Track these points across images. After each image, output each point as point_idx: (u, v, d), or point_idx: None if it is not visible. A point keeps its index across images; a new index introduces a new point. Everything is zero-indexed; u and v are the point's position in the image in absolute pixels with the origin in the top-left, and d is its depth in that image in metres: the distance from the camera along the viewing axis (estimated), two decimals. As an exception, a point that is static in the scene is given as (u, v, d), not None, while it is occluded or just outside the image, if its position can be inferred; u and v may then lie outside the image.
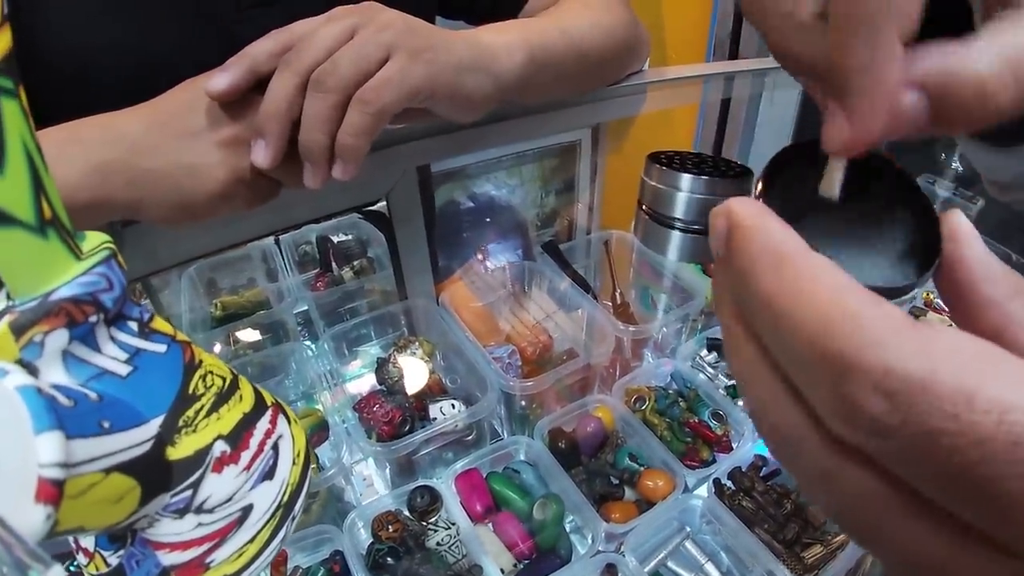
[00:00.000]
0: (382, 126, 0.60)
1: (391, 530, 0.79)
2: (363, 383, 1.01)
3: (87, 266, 0.29)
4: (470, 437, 0.87)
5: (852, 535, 0.21)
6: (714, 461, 0.90)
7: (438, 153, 0.83)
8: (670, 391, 0.97)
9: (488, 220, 1.51)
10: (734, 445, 0.92)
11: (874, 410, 0.17)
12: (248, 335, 1.04)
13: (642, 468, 0.87)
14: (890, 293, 0.25)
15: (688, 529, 0.86)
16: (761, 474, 0.88)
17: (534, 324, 1.01)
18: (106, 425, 0.27)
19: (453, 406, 0.84)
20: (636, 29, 0.92)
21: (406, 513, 0.83)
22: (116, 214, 0.62)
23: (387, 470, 0.87)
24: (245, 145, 0.61)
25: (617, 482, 0.87)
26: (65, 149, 0.57)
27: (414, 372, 0.90)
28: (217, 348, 1.04)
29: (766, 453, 0.91)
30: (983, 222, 1.37)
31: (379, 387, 0.92)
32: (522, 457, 0.90)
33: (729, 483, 0.87)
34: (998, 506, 0.17)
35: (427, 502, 0.81)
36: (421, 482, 0.83)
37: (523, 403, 0.89)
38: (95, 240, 0.31)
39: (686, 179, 0.40)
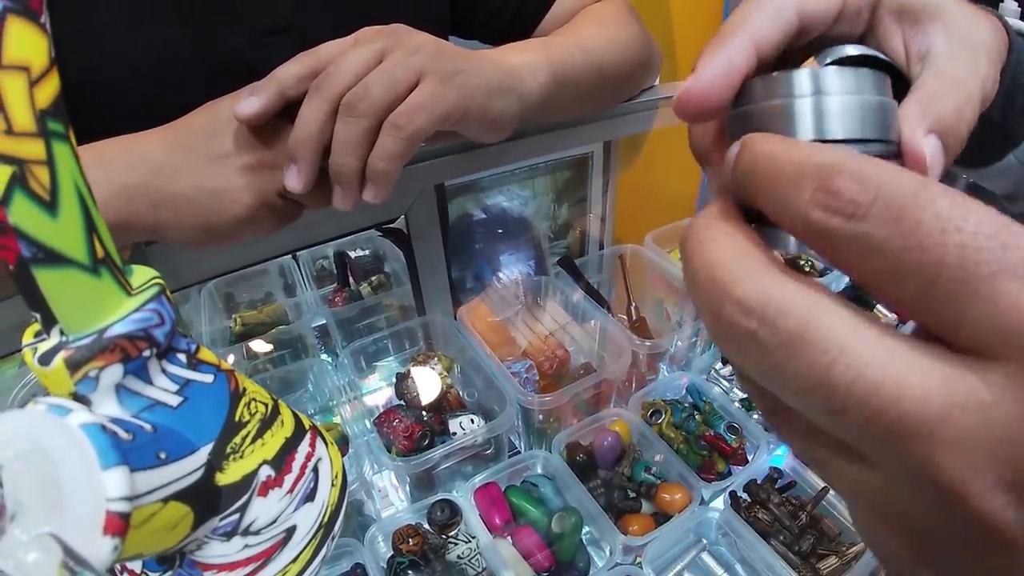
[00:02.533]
0: (414, 150, 0.60)
1: (411, 543, 0.80)
2: (380, 396, 1.02)
3: (139, 302, 0.30)
4: (489, 451, 0.88)
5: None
6: (730, 474, 0.91)
7: (456, 171, 0.85)
8: (686, 404, 0.98)
9: (501, 232, 1.52)
10: (749, 458, 0.92)
11: (851, 190, 0.20)
12: (267, 350, 1.05)
13: (659, 481, 0.88)
14: None
15: (705, 541, 0.86)
16: (776, 486, 0.89)
17: (548, 336, 1.02)
18: (163, 456, 0.28)
19: (472, 421, 0.85)
20: (650, 45, 0.93)
21: (426, 526, 0.83)
22: (140, 236, 0.63)
23: (407, 484, 0.88)
24: (269, 169, 0.61)
25: (634, 495, 0.87)
26: (88, 171, 0.59)
27: (433, 387, 0.91)
28: (236, 362, 1.05)
29: (781, 465, 0.92)
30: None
31: (398, 401, 0.93)
32: (540, 471, 0.91)
33: (745, 495, 0.88)
34: (949, 284, 0.19)
35: (447, 516, 0.82)
36: (441, 496, 0.84)
37: (540, 417, 0.90)
38: (143, 275, 0.32)
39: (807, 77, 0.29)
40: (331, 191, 0.62)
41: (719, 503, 0.89)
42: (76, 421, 0.25)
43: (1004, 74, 0.44)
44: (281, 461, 0.35)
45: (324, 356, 1.10)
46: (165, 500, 0.28)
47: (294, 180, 0.60)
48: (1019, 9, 1.35)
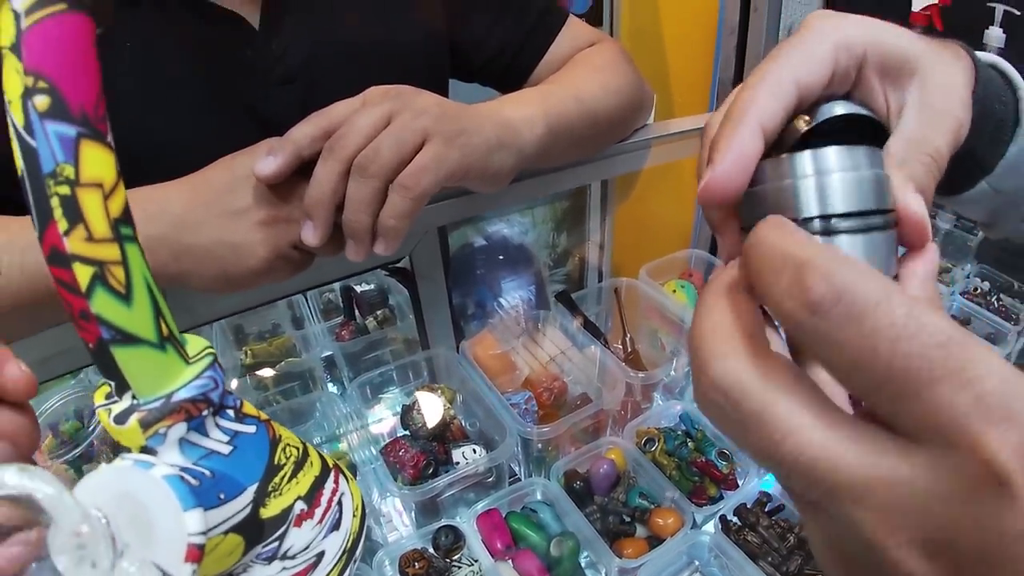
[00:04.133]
0: (422, 207, 0.67)
1: (417, 567, 0.87)
2: (384, 426, 1.09)
3: (198, 371, 0.38)
4: (490, 479, 0.95)
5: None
6: (721, 498, 0.98)
7: (458, 213, 0.92)
8: (679, 432, 1.05)
9: (502, 258, 1.60)
10: (740, 482, 1.00)
11: (820, 291, 0.24)
12: (277, 382, 1.13)
13: (652, 506, 0.95)
14: None
15: (697, 563, 0.93)
16: (766, 510, 0.96)
17: (549, 360, 1.09)
18: (222, 496, 0.36)
19: (475, 451, 0.93)
20: (642, 88, 1.00)
21: (431, 551, 0.90)
22: (163, 283, 0.69)
23: (412, 510, 0.95)
24: (284, 223, 0.68)
25: (629, 520, 0.94)
26: None
27: (437, 413, 0.98)
28: (245, 391, 1.13)
29: (770, 490, 0.99)
30: (984, 252, 1.44)
31: (404, 431, 1.00)
32: (539, 497, 0.98)
33: (735, 519, 0.95)
34: (897, 383, 0.23)
35: (451, 541, 0.89)
36: (445, 522, 0.91)
37: (539, 446, 0.97)
38: (197, 345, 0.40)
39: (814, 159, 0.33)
40: (343, 241, 0.68)
41: (710, 527, 0.96)
42: (159, 473, 0.33)
43: (973, 106, 0.47)
44: (312, 496, 0.42)
45: (331, 385, 1.18)
46: (225, 533, 0.35)
47: (310, 235, 0.66)
48: (1004, 35, 1.43)
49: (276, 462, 0.41)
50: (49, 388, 1.14)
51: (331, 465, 0.46)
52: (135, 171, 0.67)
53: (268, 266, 0.68)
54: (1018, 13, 1.40)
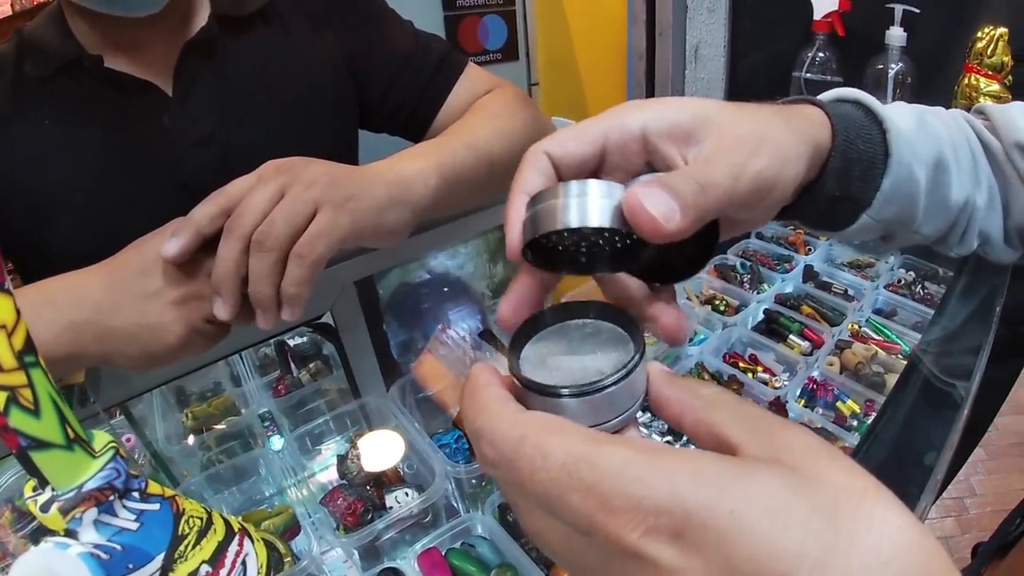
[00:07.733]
0: (319, 272, 0.76)
1: (363, 611, 0.97)
2: (330, 474, 1.18)
3: (102, 463, 0.48)
4: (427, 519, 1.05)
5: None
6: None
7: (371, 267, 1.03)
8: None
9: (446, 290, 1.69)
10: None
11: (488, 454, 0.36)
12: (219, 442, 1.22)
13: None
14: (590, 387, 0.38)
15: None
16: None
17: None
18: (130, 567, 0.46)
19: (407, 494, 1.03)
20: (540, 129, 1.08)
21: (375, 594, 1.00)
22: (91, 363, 0.78)
23: (354, 556, 1.05)
24: (196, 300, 0.77)
25: (562, 545, 1.04)
26: (39, 310, 0.72)
27: (371, 464, 1.08)
28: (190, 453, 1.22)
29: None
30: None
31: (341, 480, 1.10)
32: (479, 531, 1.08)
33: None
34: (542, 501, 0.34)
35: (393, 582, 1.00)
36: (387, 564, 1.01)
37: (472, 482, 1.07)
38: (101, 440, 0.51)
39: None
40: (253, 311, 0.78)
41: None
42: (74, 552, 0.43)
43: (833, 155, 0.55)
44: (216, 559, 0.53)
45: (277, 439, 1.26)
46: (134, 597, 0.46)
47: (221, 310, 0.75)
48: (904, 34, 1.55)
49: (180, 533, 0.51)
50: (3, 464, 1.23)
51: (236, 529, 0.57)
52: (64, 247, 0.77)
53: (184, 342, 0.77)
54: (917, 11, 1.52)
